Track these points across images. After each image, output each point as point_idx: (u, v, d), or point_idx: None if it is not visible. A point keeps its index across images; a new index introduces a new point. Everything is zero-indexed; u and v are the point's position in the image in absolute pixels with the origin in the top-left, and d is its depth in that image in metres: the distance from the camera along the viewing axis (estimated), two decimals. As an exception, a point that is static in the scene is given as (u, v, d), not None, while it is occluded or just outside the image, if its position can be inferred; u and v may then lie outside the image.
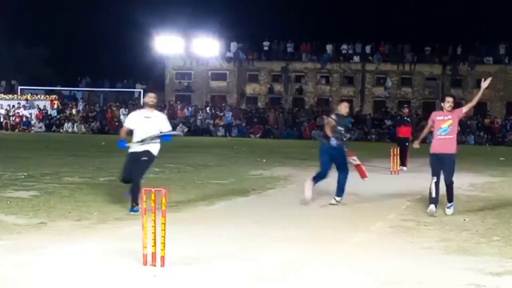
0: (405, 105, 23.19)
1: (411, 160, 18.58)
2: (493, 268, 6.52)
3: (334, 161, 10.82)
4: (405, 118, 19.18)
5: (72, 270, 6.14)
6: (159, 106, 46.49)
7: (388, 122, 41.83)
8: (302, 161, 20.21)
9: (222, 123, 42.86)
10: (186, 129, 40.60)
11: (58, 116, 45.02)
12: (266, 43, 52.43)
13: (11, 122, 43.85)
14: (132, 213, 9.17)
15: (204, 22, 49.74)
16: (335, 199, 10.92)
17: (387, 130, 40.84)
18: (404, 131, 18.69)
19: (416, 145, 10.87)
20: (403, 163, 18.10)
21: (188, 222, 8.90)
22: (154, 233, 6.25)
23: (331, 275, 6.20)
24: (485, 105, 49.18)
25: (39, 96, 47.67)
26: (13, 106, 45.07)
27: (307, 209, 10.43)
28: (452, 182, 10.06)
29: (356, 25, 53.73)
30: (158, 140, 9.48)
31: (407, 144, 17.91)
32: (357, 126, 43.00)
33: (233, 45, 51.87)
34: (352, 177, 16.60)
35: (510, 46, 48.91)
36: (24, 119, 44.57)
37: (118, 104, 46.93)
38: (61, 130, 42.80)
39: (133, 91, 51.71)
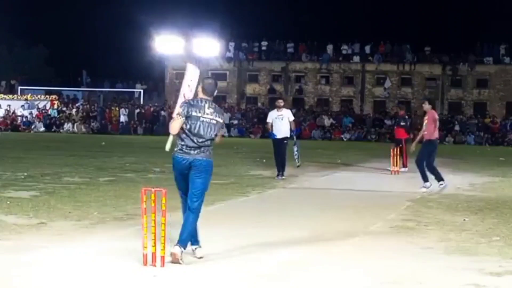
0: (399, 105, 23.15)
1: (410, 161, 18.54)
2: (493, 268, 6.51)
3: None
4: (399, 119, 19.15)
5: (72, 270, 6.14)
6: (160, 106, 46.65)
7: (388, 122, 41.89)
8: (302, 161, 20.18)
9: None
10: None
11: (58, 116, 45.01)
12: (264, 43, 52.42)
13: (9, 121, 43.86)
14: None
15: (204, 22, 49.74)
16: None
17: (387, 130, 40.88)
18: (398, 133, 18.67)
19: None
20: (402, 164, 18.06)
21: (188, 222, 8.89)
22: (154, 233, 6.25)
23: (331, 275, 6.20)
24: (485, 105, 49.20)
25: (39, 96, 47.66)
26: (9, 105, 45.10)
27: (307, 209, 10.43)
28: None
29: (356, 25, 53.74)
30: None
31: (400, 145, 17.99)
32: (357, 126, 43.08)
33: (231, 45, 51.85)
34: (351, 176, 16.61)
35: (510, 46, 48.90)
36: (24, 119, 44.59)
37: (117, 104, 46.90)
38: (61, 130, 42.78)
39: (133, 91, 51.72)
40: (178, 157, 6.54)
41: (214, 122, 6.61)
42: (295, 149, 16.69)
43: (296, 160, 16.74)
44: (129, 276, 6.00)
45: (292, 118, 15.69)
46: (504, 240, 8.04)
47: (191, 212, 6.50)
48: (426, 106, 13.70)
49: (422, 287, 5.85)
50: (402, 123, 18.68)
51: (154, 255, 6.25)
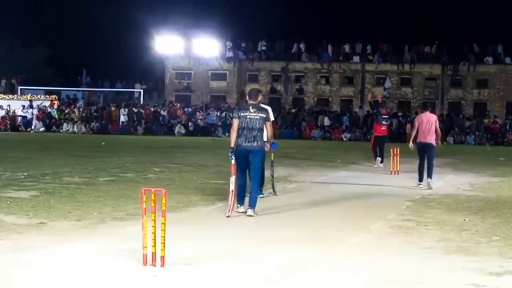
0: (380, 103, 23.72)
1: (410, 160, 18.58)
2: (493, 268, 6.52)
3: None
4: (382, 115, 19.95)
5: (72, 270, 6.14)
6: (160, 106, 46.65)
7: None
8: (302, 161, 20.22)
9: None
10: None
11: (57, 115, 44.95)
12: (263, 43, 52.41)
13: (9, 121, 43.83)
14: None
15: (204, 22, 49.74)
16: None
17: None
18: (379, 129, 19.79)
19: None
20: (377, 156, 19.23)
21: (188, 222, 8.91)
22: (154, 233, 6.25)
23: (331, 275, 6.21)
24: (485, 105, 49.18)
25: (39, 96, 47.63)
26: (9, 105, 45.08)
27: (306, 209, 10.43)
28: None
29: (356, 25, 53.69)
30: None
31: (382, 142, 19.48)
32: (356, 126, 43.06)
33: (229, 45, 51.84)
34: (351, 176, 16.63)
35: (510, 46, 48.88)
36: (24, 119, 44.51)
37: (117, 104, 46.84)
38: (61, 130, 42.75)
39: (133, 91, 51.72)
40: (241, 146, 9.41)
41: (258, 117, 9.45)
42: (273, 169, 12.42)
43: (273, 189, 12.26)
44: (129, 276, 6.00)
45: (272, 118, 13.71)
46: (504, 240, 8.05)
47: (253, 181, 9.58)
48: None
49: (422, 287, 5.86)
50: (384, 122, 19.77)
51: (154, 255, 6.25)
